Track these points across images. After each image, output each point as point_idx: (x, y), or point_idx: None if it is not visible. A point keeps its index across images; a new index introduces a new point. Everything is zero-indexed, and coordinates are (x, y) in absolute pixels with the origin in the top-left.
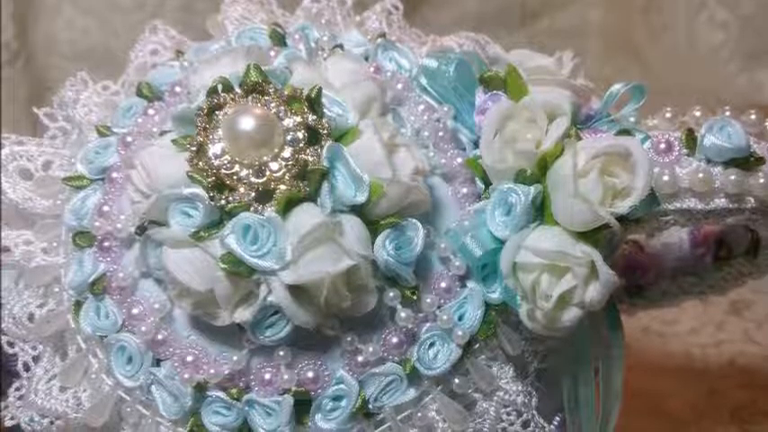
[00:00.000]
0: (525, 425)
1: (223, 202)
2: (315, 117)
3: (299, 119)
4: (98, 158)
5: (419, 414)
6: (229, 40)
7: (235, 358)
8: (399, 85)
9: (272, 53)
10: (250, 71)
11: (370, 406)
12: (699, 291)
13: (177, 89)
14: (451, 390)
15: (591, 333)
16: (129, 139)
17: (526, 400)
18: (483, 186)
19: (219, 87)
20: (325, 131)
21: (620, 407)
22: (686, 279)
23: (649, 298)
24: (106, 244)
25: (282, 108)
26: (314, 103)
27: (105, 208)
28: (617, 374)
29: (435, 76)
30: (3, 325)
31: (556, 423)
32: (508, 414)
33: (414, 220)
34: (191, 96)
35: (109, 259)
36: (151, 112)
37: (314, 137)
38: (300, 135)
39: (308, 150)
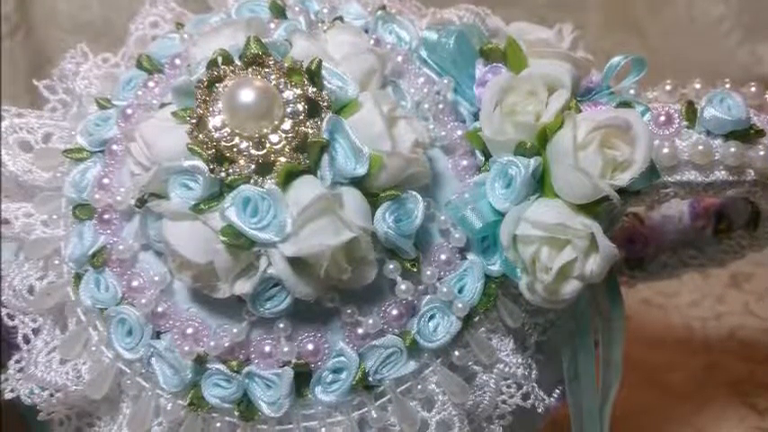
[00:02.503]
0: (525, 397)
1: (223, 174)
2: (315, 89)
3: (299, 91)
4: (98, 131)
5: (419, 386)
6: (229, 13)
7: (235, 330)
8: (399, 58)
9: (272, 25)
10: (250, 43)
11: (371, 378)
12: (699, 263)
13: (177, 61)
14: (451, 362)
15: (591, 305)
16: (128, 111)
17: (526, 373)
18: (483, 159)
19: (219, 60)
20: (325, 104)
21: (620, 379)
22: (686, 251)
23: (649, 270)
24: (106, 216)
25: (282, 80)
26: (314, 76)
27: (105, 180)
28: (617, 347)
29: (435, 49)
30: (3, 297)
31: (556, 395)
32: (508, 386)
33: (414, 193)
34: (190, 69)
35: (109, 232)
36: (151, 84)
37: (314, 109)
38: (300, 107)
39: (307, 123)
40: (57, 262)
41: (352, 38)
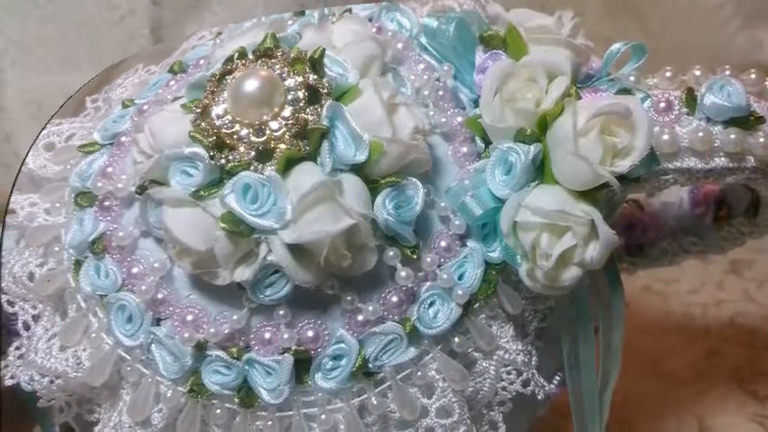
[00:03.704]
0: (525, 384)
1: (223, 161)
2: (316, 77)
3: (300, 79)
4: (114, 126)
5: (419, 373)
6: (261, 17)
7: (235, 317)
8: (399, 45)
9: (290, 22)
10: (266, 39)
11: (370, 365)
12: (698, 250)
13: (201, 62)
14: (451, 349)
15: (591, 292)
16: (144, 107)
17: (526, 360)
18: (483, 146)
19: (236, 56)
20: (326, 90)
21: (620, 366)
22: (686, 238)
23: (649, 257)
24: (106, 203)
25: (286, 69)
26: (316, 64)
27: (109, 169)
28: (617, 334)
29: (435, 36)
30: (3, 284)
31: (556, 382)
32: (508, 373)
33: (414, 179)
34: (209, 66)
35: (109, 218)
36: (172, 83)
37: (314, 96)
38: (301, 94)
39: (308, 109)
40: (57, 249)
41: (356, 26)
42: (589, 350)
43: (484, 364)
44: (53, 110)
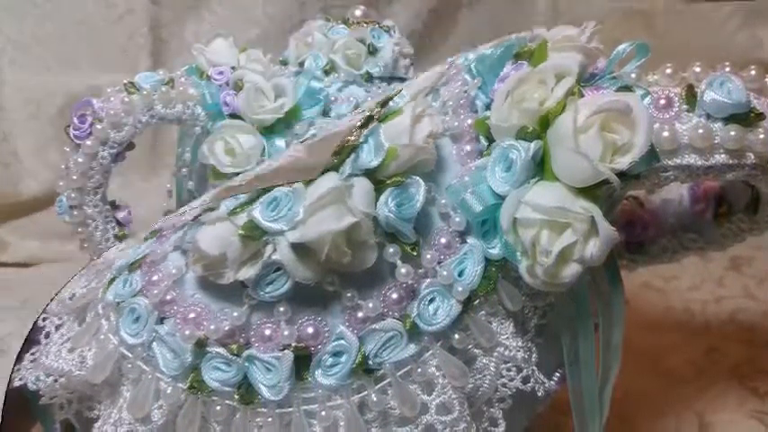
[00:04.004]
0: (525, 380)
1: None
2: (379, 108)
3: (368, 113)
4: None
5: (419, 370)
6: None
7: (235, 314)
8: (453, 71)
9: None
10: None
11: (371, 362)
12: (698, 247)
13: None
14: (451, 345)
15: (591, 289)
16: None
17: (526, 356)
18: (486, 144)
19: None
20: (377, 116)
21: (620, 362)
22: (686, 235)
23: (649, 254)
24: (164, 233)
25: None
26: (387, 100)
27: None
28: (617, 331)
29: (484, 59)
30: (48, 307)
31: (556, 379)
32: (508, 370)
33: (416, 177)
34: None
35: (157, 242)
36: None
37: (368, 122)
38: (359, 123)
39: (355, 132)
40: (105, 272)
41: (436, 68)
42: (589, 347)
43: (484, 360)
44: (52, 109)
